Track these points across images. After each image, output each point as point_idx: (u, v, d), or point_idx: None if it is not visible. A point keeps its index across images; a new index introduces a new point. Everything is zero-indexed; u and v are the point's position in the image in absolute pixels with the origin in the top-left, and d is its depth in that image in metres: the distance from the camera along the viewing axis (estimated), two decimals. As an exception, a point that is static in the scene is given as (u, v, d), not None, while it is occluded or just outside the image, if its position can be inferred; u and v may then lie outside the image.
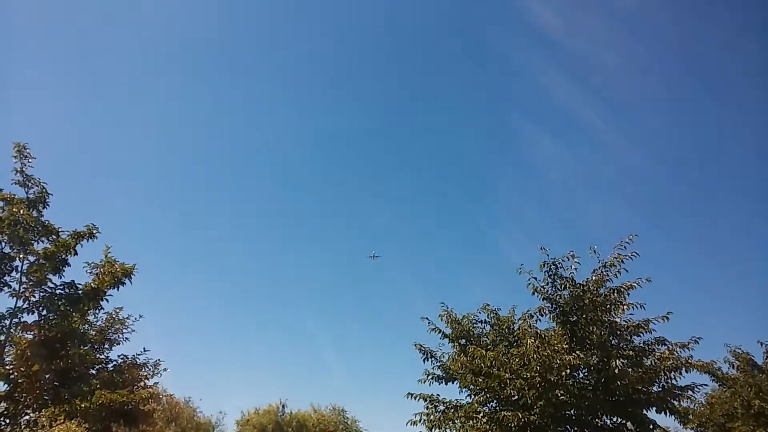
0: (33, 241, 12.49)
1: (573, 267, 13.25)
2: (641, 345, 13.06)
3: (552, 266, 13.25)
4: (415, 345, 15.20)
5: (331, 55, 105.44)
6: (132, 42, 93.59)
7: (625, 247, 13.22)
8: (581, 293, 12.97)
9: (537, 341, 12.36)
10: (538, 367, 11.96)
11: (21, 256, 12.26)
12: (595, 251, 13.52)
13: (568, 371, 12.03)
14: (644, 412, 12.69)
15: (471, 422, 13.23)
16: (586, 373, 13.11)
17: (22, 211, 12.25)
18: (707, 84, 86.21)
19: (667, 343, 12.99)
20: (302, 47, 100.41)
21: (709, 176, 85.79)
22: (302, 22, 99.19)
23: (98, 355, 14.61)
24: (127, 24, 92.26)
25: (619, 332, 13.05)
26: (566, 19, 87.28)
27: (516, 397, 12.83)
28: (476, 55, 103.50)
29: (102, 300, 13.34)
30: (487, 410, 13.46)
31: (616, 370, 11.99)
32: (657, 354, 12.87)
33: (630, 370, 12.48)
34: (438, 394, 14.37)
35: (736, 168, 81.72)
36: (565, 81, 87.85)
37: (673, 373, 12.61)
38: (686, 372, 12.72)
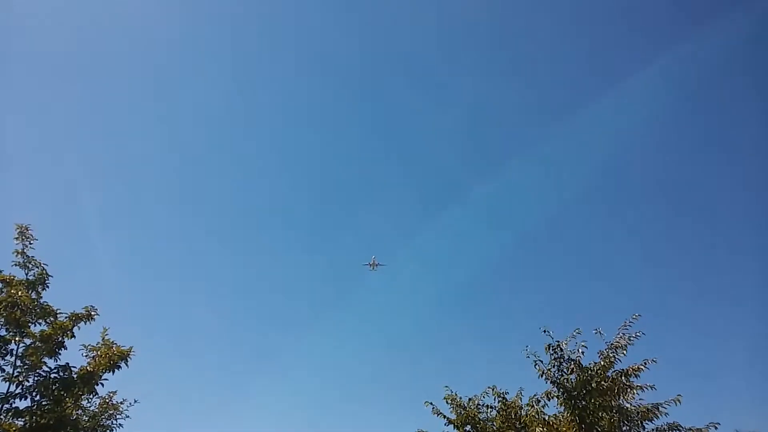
0: (30, 324, 12.34)
1: (579, 350, 13.00)
2: (654, 431, 12.60)
3: (557, 348, 12.99)
4: (418, 432, 14.70)
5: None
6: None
7: (628, 328, 13.09)
8: (588, 377, 12.64)
9: (545, 429, 11.94)
10: (548, 457, 11.51)
11: (17, 339, 12.08)
12: (600, 332, 13.33)
13: (579, 461, 11.57)
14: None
15: None
16: (598, 462, 12.56)
17: (20, 293, 12.20)
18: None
19: (681, 428, 12.53)
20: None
21: (716, 246, 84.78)
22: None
23: (90, 443, 14.06)
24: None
25: (629, 418, 12.62)
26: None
27: (525, 488, 12.26)
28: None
29: (97, 384, 13.02)
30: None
31: (629, 459, 11.54)
32: (670, 440, 12.40)
33: (643, 458, 11.99)
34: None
35: (744, 235, 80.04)
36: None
37: (688, 460, 12.11)
38: (702, 458, 12.22)
